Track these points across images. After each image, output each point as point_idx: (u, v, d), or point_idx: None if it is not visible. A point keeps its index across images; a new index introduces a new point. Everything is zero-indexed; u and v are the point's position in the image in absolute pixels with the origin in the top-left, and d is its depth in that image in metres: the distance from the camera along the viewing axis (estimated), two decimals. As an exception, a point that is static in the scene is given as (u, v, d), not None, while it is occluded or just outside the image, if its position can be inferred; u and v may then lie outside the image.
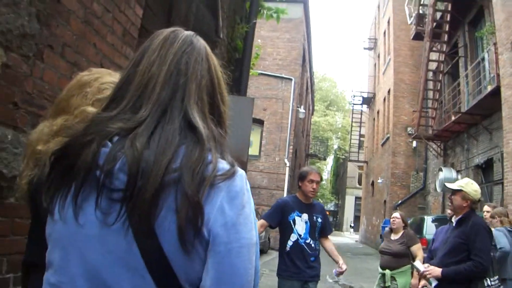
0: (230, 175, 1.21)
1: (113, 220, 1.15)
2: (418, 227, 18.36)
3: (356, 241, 41.55)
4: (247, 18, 8.14)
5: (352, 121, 41.63)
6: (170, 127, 1.21)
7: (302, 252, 5.37)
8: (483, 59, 17.09)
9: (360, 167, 48.21)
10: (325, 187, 63.74)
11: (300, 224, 5.44)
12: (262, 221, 5.53)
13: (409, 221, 20.62)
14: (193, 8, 5.65)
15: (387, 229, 7.52)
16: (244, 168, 5.51)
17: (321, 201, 61.67)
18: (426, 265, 4.88)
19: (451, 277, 4.48)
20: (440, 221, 17.51)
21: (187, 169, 1.15)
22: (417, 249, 6.94)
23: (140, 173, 1.13)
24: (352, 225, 58.81)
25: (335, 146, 58.85)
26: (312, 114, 44.69)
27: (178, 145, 1.19)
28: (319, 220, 5.56)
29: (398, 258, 6.90)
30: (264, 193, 22.29)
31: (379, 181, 31.95)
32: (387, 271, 6.83)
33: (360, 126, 40.50)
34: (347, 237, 49.07)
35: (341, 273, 5.69)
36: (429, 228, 17.09)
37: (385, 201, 30.21)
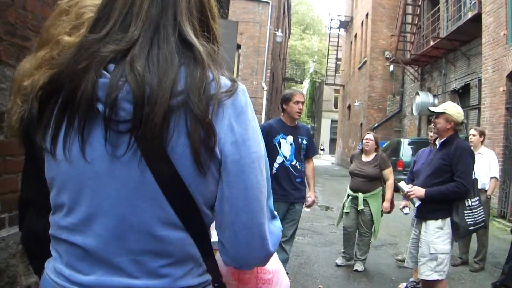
0: (234, 91, 1.19)
1: (123, 152, 1.11)
2: (395, 149, 18.86)
3: (332, 163, 42.21)
4: None
5: (329, 45, 41.30)
6: (167, 46, 1.16)
7: (288, 174, 5.46)
8: (464, -16, 16.96)
9: (336, 91, 48.40)
10: (301, 111, 63.85)
11: (286, 146, 5.49)
12: None
13: (385, 144, 21.23)
14: None
15: (357, 150, 7.38)
16: None
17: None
18: (410, 185, 5.03)
19: (434, 197, 4.64)
20: (416, 144, 18.00)
21: (192, 89, 1.12)
22: (389, 172, 6.93)
23: (146, 98, 1.09)
24: (323, 147, 59.18)
25: (311, 70, 58.56)
26: (289, 37, 44.18)
27: (178, 65, 1.15)
28: (304, 142, 5.63)
29: (371, 181, 6.85)
30: (242, 118, 22.02)
31: (356, 104, 32.16)
32: (360, 194, 6.79)
33: (337, 50, 40.20)
34: (323, 159, 49.74)
35: (308, 206, 5.84)
36: (406, 151, 17.55)
37: (361, 124, 30.60)
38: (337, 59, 41.45)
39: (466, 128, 17.52)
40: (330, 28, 41.12)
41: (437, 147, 4.90)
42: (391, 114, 28.34)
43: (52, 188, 1.24)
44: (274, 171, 5.41)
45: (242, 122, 1.19)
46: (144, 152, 1.11)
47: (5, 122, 3.08)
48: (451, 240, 4.70)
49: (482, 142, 7.45)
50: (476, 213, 4.58)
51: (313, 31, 61.04)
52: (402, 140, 19.07)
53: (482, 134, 7.52)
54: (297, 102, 5.52)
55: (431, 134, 6.26)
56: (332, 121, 57.80)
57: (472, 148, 7.18)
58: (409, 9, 24.16)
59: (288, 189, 5.46)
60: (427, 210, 4.76)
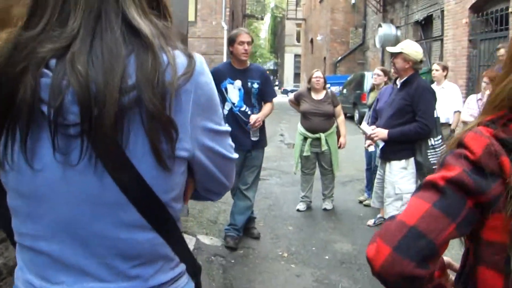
0: (191, 72, 1.09)
1: (77, 159, 1.01)
2: (359, 83, 18.98)
3: (297, 98, 42.28)
4: None
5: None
6: (111, 36, 1.03)
7: (237, 120, 5.20)
8: None
9: (298, 25, 47.85)
10: (263, 46, 63.52)
11: (233, 91, 5.24)
12: None
13: (349, 78, 21.29)
14: None
15: (303, 89, 7.18)
16: (185, 41, 5.12)
17: (260, 61, 61.64)
18: (373, 127, 5.03)
19: (397, 138, 4.67)
20: (380, 77, 17.97)
21: (144, 82, 1.00)
22: (340, 108, 6.93)
23: (92, 99, 0.97)
24: (284, 89, 58.75)
25: (272, 5, 57.68)
26: (248, -29, 43.14)
27: (126, 56, 1.02)
28: (255, 85, 5.29)
29: (328, 119, 6.79)
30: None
31: (318, 38, 31.97)
32: (322, 135, 6.68)
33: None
34: (288, 95, 49.78)
35: (252, 126, 5.24)
36: (370, 84, 17.56)
37: (324, 58, 30.52)
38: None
39: (429, 61, 17.59)
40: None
41: (398, 87, 4.86)
42: (354, 47, 28.24)
43: (7, 191, 1.14)
44: None
45: (204, 107, 1.14)
46: (100, 156, 1.02)
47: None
48: (415, 179, 4.74)
49: (445, 77, 7.49)
50: (439, 152, 4.61)
51: (273, -37, 59.88)
52: (365, 73, 19.09)
53: (445, 68, 7.55)
54: (242, 42, 5.15)
55: (393, 71, 6.19)
56: (295, 55, 57.51)
57: (435, 83, 7.28)
58: None
59: (240, 136, 5.17)
60: (390, 151, 4.80)
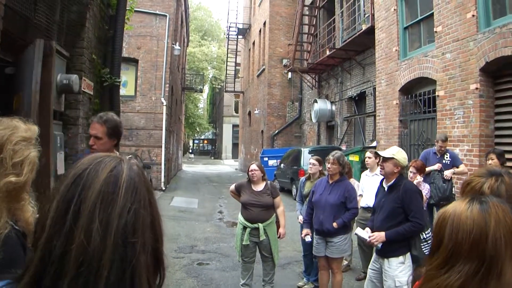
0: None
1: None
2: (296, 158, 19.28)
3: (236, 169, 42.44)
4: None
5: (227, 55, 41.20)
6: None
7: None
8: (358, -3, 17.58)
9: (237, 95, 48.56)
10: (202, 117, 63.84)
11: None
12: None
13: (286, 153, 21.51)
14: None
15: (243, 181, 7.16)
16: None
17: (199, 130, 61.79)
18: (368, 229, 5.32)
19: (394, 238, 5.03)
20: (316, 152, 18.44)
21: None
22: (280, 199, 6.98)
23: None
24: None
25: (211, 75, 58.47)
26: (187, 45, 43.80)
27: None
28: None
29: (268, 210, 6.82)
30: (142, 134, 21.75)
31: (256, 112, 32.48)
32: (260, 225, 6.71)
33: (236, 55, 40.42)
34: (227, 164, 49.91)
35: None
36: (306, 160, 17.89)
37: (262, 131, 30.96)
38: (236, 64, 41.57)
39: (363, 136, 18.18)
40: (228, 37, 41.01)
41: (386, 190, 5.26)
42: (291, 121, 28.93)
43: None
44: None
45: None
46: None
47: None
48: (411, 271, 5.06)
49: (378, 164, 7.69)
50: (430, 243, 4.90)
51: (212, 37, 61.09)
52: (302, 149, 19.46)
53: (377, 155, 7.77)
54: (90, 135, 4.09)
55: (328, 165, 6.40)
56: (233, 125, 58.04)
57: (368, 170, 7.59)
58: (306, 19, 24.74)
59: None
60: (388, 250, 5.11)
